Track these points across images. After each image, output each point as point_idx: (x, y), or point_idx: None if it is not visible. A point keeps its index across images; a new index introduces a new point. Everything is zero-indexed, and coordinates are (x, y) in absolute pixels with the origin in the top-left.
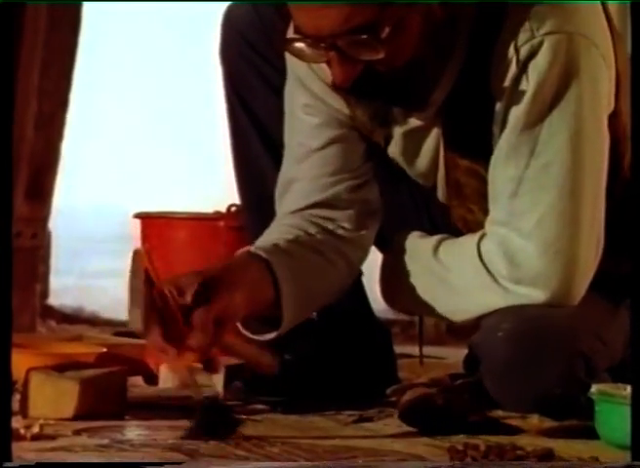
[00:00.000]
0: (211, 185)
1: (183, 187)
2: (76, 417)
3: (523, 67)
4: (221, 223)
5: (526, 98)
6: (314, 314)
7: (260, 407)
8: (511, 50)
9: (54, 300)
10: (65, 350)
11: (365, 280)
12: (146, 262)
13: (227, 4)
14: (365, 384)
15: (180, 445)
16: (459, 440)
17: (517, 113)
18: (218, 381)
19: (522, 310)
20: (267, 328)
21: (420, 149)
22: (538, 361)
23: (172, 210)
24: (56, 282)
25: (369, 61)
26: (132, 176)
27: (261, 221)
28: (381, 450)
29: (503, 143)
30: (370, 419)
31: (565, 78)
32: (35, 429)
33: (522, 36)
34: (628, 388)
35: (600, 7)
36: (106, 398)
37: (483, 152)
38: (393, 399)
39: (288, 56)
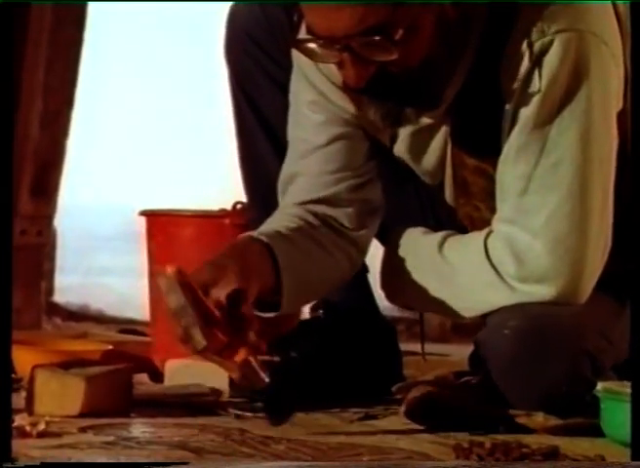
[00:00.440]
0: (216, 182)
1: (189, 184)
2: (82, 415)
3: (535, 65)
4: (227, 221)
5: (537, 97)
6: (320, 312)
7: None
8: (523, 48)
9: (59, 298)
10: (71, 347)
11: (371, 277)
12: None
13: (232, 3)
14: (370, 382)
15: (185, 442)
16: (464, 437)
17: (528, 112)
18: (223, 378)
19: (528, 308)
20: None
21: (428, 147)
22: (543, 359)
23: (177, 207)
24: (61, 279)
25: (382, 62)
26: (137, 174)
27: (267, 218)
28: (387, 448)
29: (513, 141)
30: (375, 417)
31: (575, 76)
32: (41, 426)
33: (534, 35)
34: None
35: (611, 7)
36: (112, 395)
37: (491, 150)
38: (399, 396)
39: (294, 52)
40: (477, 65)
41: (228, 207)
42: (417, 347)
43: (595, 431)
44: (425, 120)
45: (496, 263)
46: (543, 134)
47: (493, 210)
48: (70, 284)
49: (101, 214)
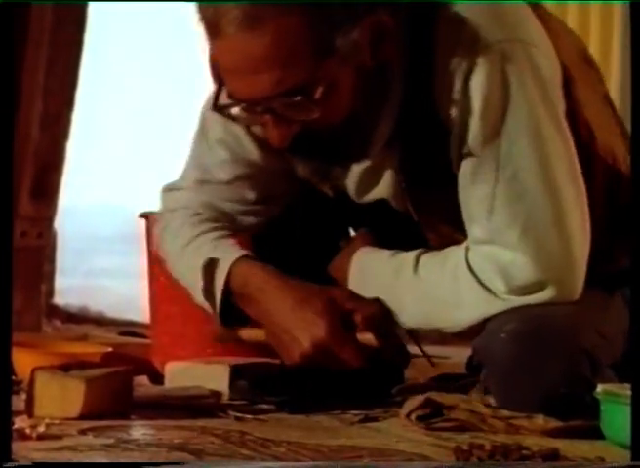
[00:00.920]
0: None
1: None
2: (82, 417)
3: (464, 87)
4: None
5: (476, 117)
6: None
7: (265, 406)
8: (449, 73)
9: (59, 300)
10: (71, 349)
11: None
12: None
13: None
14: (371, 384)
15: (185, 444)
16: (464, 440)
17: (472, 134)
18: (223, 380)
19: (523, 310)
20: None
21: (377, 184)
22: (542, 360)
23: None
24: (61, 281)
25: (305, 121)
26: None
27: None
28: (387, 450)
29: (467, 165)
30: (375, 419)
31: (508, 85)
32: (41, 428)
33: (456, 59)
34: None
35: (528, 8)
36: (112, 397)
37: (445, 179)
38: (399, 398)
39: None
40: (409, 102)
41: None
42: (417, 349)
43: (595, 433)
44: (364, 163)
45: (483, 280)
46: (494, 149)
47: (459, 229)
48: (70, 286)
49: (102, 215)
